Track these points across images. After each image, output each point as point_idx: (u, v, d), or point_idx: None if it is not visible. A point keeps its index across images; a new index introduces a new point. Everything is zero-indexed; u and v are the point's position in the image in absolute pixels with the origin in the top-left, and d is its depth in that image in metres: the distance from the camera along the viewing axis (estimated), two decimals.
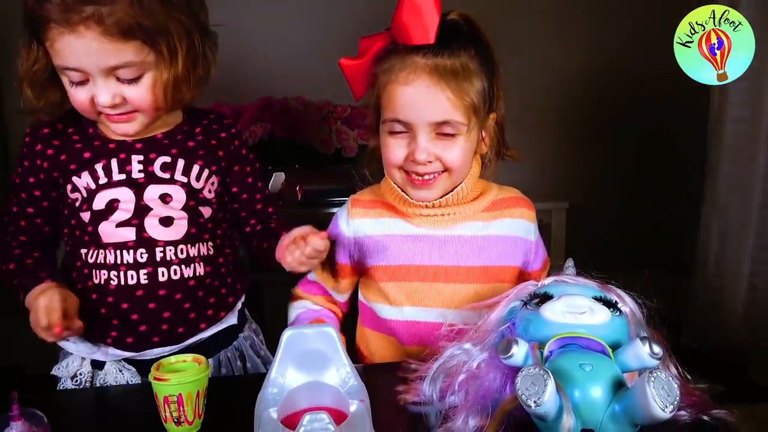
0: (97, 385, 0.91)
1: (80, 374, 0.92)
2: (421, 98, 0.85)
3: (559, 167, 2.56)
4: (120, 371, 0.91)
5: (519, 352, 0.61)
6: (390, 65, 0.88)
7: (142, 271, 0.89)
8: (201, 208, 0.95)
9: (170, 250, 0.91)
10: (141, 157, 0.92)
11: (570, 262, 0.77)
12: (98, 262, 0.90)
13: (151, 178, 0.92)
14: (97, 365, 0.92)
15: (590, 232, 2.46)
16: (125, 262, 0.89)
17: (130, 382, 0.91)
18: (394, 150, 0.90)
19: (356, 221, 0.98)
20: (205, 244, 0.96)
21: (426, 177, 0.89)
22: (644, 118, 2.52)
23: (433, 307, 0.93)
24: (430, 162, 0.88)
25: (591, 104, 2.56)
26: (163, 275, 0.90)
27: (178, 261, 0.92)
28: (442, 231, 0.94)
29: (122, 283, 0.89)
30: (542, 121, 2.48)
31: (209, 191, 0.96)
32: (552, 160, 2.53)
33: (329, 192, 1.85)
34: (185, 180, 0.93)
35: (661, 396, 0.52)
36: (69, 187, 0.91)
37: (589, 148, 2.60)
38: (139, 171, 0.91)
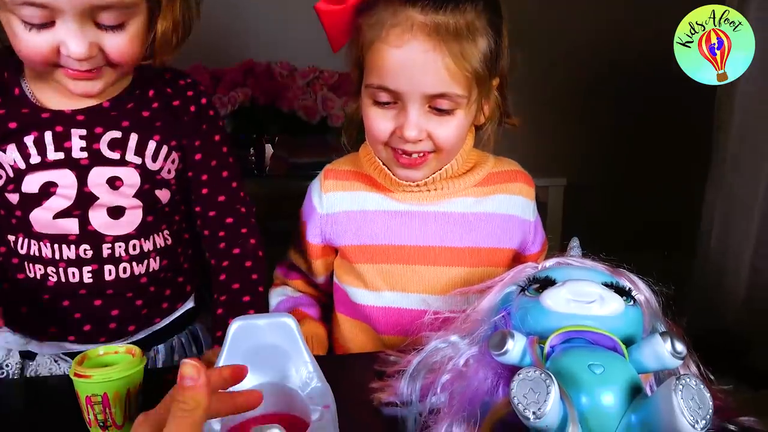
0: (27, 376, 0.79)
1: (6, 365, 0.79)
2: (416, 65, 0.71)
3: (557, 141, 2.44)
4: (56, 362, 0.79)
5: (515, 347, 0.51)
6: (378, 19, 0.73)
7: (86, 268, 0.76)
8: (158, 192, 0.81)
9: (120, 246, 0.78)
10: (83, 132, 0.75)
11: (575, 242, 0.67)
12: (32, 254, 0.77)
13: (97, 159, 0.76)
14: (29, 356, 0.81)
15: (589, 211, 2.36)
16: (65, 257, 0.76)
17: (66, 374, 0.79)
18: (379, 123, 0.76)
19: (330, 195, 0.86)
20: (161, 234, 0.83)
21: (414, 156, 0.77)
22: (648, 93, 2.41)
23: (415, 293, 0.82)
24: (420, 140, 0.75)
25: (593, 75, 2.44)
26: (110, 273, 0.78)
27: (129, 258, 0.79)
28: (427, 206, 0.83)
29: (62, 280, 0.76)
30: (539, 91, 2.34)
31: (168, 171, 0.81)
32: (549, 134, 2.40)
33: (314, 164, 1.75)
34: (139, 161, 0.78)
35: (690, 408, 0.42)
36: None
37: (590, 122, 2.49)
38: (81, 149, 0.75)
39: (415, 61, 0.71)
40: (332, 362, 0.72)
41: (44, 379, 0.77)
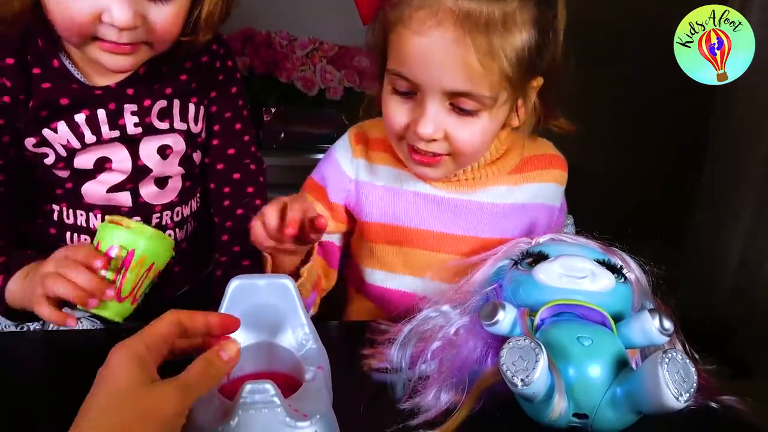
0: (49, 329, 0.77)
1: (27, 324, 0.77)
2: (436, 57, 0.62)
3: (551, 131, 2.44)
4: (79, 321, 0.75)
5: (506, 318, 0.52)
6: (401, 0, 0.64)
7: None
8: (195, 156, 0.81)
9: (167, 215, 0.79)
10: (134, 107, 0.73)
11: (570, 219, 0.68)
12: (79, 224, 0.76)
13: (149, 131, 0.74)
14: None
15: (583, 197, 2.36)
16: None
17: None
18: (396, 113, 0.68)
19: (361, 162, 0.78)
20: (195, 198, 0.83)
21: (428, 153, 0.69)
22: (646, 84, 2.40)
23: (435, 280, 0.74)
24: (434, 140, 0.66)
25: (592, 63, 2.43)
26: None
27: (173, 225, 0.80)
28: (460, 195, 0.75)
29: None
30: None
31: (203, 133, 0.80)
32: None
33: (311, 137, 1.74)
34: (184, 126, 0.77)
35: (675, 381, 0.43)
36: (32, 140, 0.71)
37: (585, 107, 2.48)
38: (135, 125, 0.73)
39: (435, 52, 0.62)
40: (323, 328, 0.72)
41: (65, 333, 0.73)
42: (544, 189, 0.78)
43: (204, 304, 0.78)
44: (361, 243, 0.80)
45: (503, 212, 0.76)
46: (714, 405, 0.56)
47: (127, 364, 0.40)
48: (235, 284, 0.53)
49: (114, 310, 0.58)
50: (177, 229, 0.81)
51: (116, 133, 0.73)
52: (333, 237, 0.81)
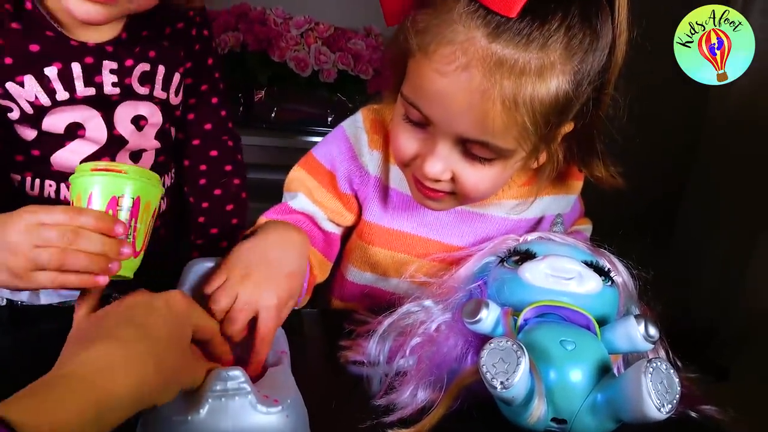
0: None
1: None
2: (456, 101, 0.54)
3: None
4: (48, 295, 0.73)
5: (488, 317, 0.50)
6: (428, 26, 0.54)
7: None
8: (172, 129, 0.76)
9: None
10: (114, 65, 0.66)
11: (559, 218, 0.66)
12: (47, 196, 0.70)
13: (127, 94, 0.68)
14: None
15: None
16: None
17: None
18: (405, 142, 0.61)
19: (376, 155, 0.70)
20: (169, 173, 0.78)
21: (431, 187, 0.62)
22: (636, 87, 2.39)
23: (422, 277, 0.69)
24: (440, 180, 0.60)
25: None
26: None
27: None
28: (469, 207, 0.70)
29: None
30: None
31: (181, 105, 0.75)
32: None
33: (303, 119, 1.71)
34: (164, 96, 0.71)
35: (658, 392, 0.42)
36: None
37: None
38: (113, 84, 0.67)
39: (456, 97, 0.53)
40: (301, 317, 0.70)
41: (35, 308, 0.71)
42: (557, 201, 0.73)
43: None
44: (355, 241, 0.74)
45: (513, 227, 0.71)
46: (693, 414, 0.55)
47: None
48: (192, 267, 0.52)
49: (130, 267, 0.51)
50: None
51: (91, 91, 0.67)
52: (339, 229, 0.74)
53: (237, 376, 0.43)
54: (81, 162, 0.69)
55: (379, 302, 0.67)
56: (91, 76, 0.66)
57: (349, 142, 0.71)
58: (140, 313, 0.42)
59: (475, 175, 0.59)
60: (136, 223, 0.48)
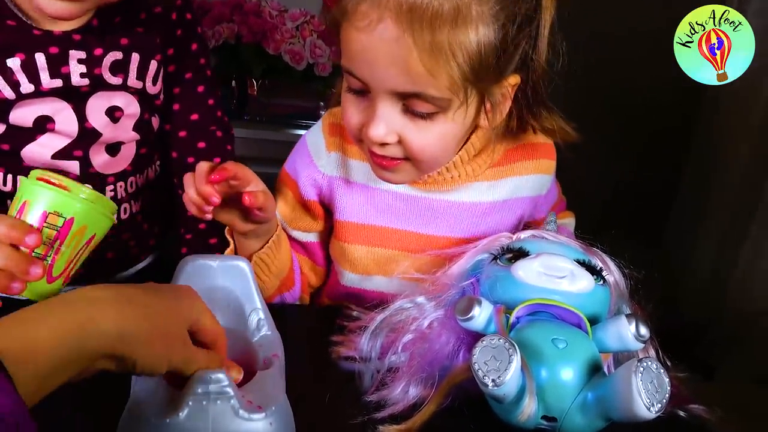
0: None
1: None
2: (379, 55, 0.55)
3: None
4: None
5: (481, 314, 0.50)
6: None
7: None
8: (153, 120, 0.73)
9: (120, 186, 0.72)
10: (82, 55, 0.63)
11: (552, 216, 0.67)
12: None
13: (98, 85, 0.65)
14: None
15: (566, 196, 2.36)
16: None
17: None
18: (350, 112, 0.62)
19: (335, 156, 0.71)
20: (153, 165, 0.76)
21: (382, 153, 0.62)
22: (631, 86, 2.40)
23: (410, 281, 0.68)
24: (386, 144, 0.60)
25: (580, 65, 2.41)
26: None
27: (128, 196, 0.73)
28: (439, 195, 0.70)
29: None
30: None
31: (162, 94, 0.72)
32: None
33: (297, 112, 1.71)
34: (140, 85, 0.68)
35: (648, 391, 0.42)
36: None
37: (566, 108, 2.46)
38: (82, 75, 0.64)
39: (378, 50, 0.55)
40: (294, 312, 0.70)
41: None
42: (528, 181, 0.72)
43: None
44: (333, 242, 0.74)
45: (483, 211, 0.71)
46: (681, 413, 0.55)
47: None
48: (186, 264, 0.51)
49: (38, 292, 0.46)
50: (132, 201, 0.74)
51: (58, 83, 0.64)
52: (310, 236, 0.75)
53: (220, 378, 0.41)
54: (52, 156, 0.67)
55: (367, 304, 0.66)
56: (57, 66, 0.63)
57: (308, 150, 0.72)
58: (140, 287, 0.42)
59: (420, 134, 0.59)
60: (60, 245, 0.45)
